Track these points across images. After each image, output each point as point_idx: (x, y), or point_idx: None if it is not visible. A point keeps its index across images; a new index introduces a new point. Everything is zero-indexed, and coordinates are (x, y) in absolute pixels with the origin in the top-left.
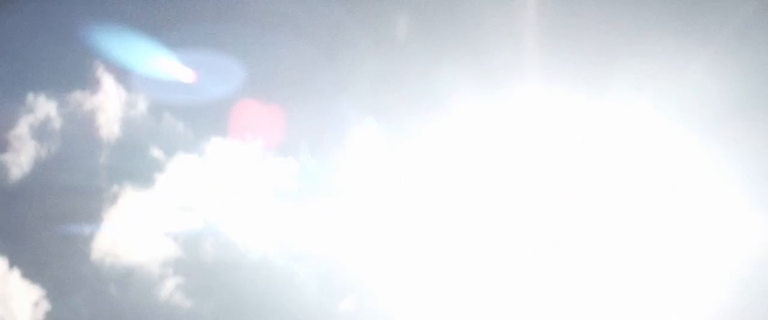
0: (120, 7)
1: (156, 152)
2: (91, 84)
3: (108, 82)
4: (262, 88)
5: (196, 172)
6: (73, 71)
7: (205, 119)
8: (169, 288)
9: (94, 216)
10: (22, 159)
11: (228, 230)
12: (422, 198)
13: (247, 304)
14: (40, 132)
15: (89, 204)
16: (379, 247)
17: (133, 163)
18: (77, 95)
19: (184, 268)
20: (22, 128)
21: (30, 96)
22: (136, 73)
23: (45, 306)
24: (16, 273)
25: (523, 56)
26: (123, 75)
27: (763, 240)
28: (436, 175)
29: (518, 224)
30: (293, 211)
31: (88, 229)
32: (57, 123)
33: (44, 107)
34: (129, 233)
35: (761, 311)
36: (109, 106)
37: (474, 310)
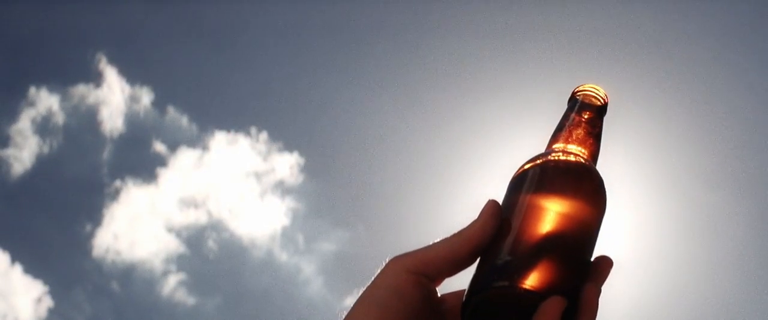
0: (123, 2)
1: (159, 147)
2: (93, 78)
3: (111, 75)
4: (265, 83)
5: (200, 167)
6: (76, 65)
7: (210, 113)
8: (172, 284)
9: (96, 211)
10: (23, 154)
11: (232, 226)
12: (425, 195)
13: (250, 300)
14: (42, 127)
15: (92, 199)
16: (384, 243)
17: (136, 158)
18: (80, 89)
19: (188, 264)
20: (24, 123)
21: (31, 90)
22: (140, 67)
23: (47, 302)
24: (18, 269)
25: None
26: (126, 69)
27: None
28: (436, 172)
29: None
30: (298, 206)
31: (91, 224)
32: (59, 118)
33: (46, 102)
34: (132, 229)
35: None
36: (112, 100)
37: None
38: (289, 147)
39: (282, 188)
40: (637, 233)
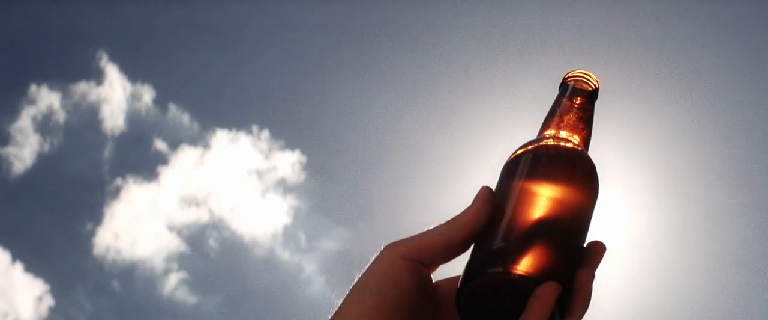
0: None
1: (160, 145)
2: (95, 76)
3: (112, 73)
4: (267, 81)
5: (201, 165)
6: (77, 63)
7: (211, 111)
8: (173, 283)
9: (97, 210)
10: (24, 152)
11: (233, 225)
12: (427, 192)
13: (252, 299)
14: (43, 125)
15: (92, 198)
16: (386, 241)
17: (137, 156)
18: (81, 87)
19: (189, 263)
20: (25, 121)
21: (32, 88)
22: (141, 65)
23: (48, 300)
24: (18, 268)
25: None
26: (128, 66)
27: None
28: (438, 169)
29: None
30: (300, 205)
31: (92, 223)
32: (60, 116)
33: (47, 99)
34: (133, 228)
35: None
36: (113, 98)
37: None
38: (290, 145)
39: (284, 187)
40: (638, 230)
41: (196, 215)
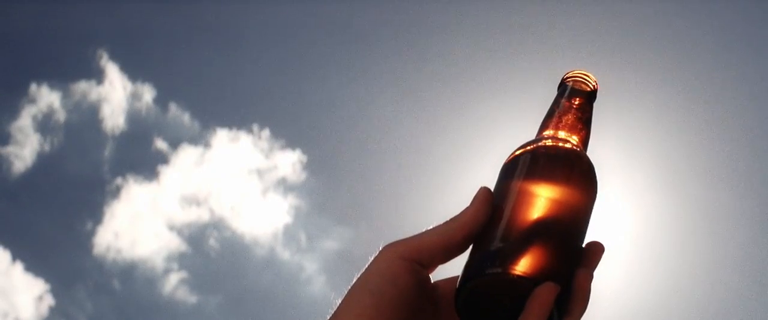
0: None
1: (160, 144)
2: (95, 75)
3: (113, 72)
4: (267, 80)
5: (202, 164)
6: (77, 62)
7: (211, 111)
8: (173, 283)
9: (97, 209)
10: (24, 152)
11: (233, 224)
12: (428, 192)
13: (252, 299)
14: (43, 124)
15: (93, 197)
16: (387, 240)
17: (137, 155)
18: (81, 86)
19: (189, 262)
20: (25, 120)
21: (33, 87)
22: (142, 64)
23: (49, 300)
24: (19, 267)
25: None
26: (128, 66)
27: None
28: (439, 169)
29: None
30: (300, 204)
31: (92, 222)
32: (60, 115)
33: (47, 99)
34: (133, 227)
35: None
36: (113, 97)
37: None
38: (291, 145)
39: (284, 186)
40: (637, 230)
41: (197, 215)
